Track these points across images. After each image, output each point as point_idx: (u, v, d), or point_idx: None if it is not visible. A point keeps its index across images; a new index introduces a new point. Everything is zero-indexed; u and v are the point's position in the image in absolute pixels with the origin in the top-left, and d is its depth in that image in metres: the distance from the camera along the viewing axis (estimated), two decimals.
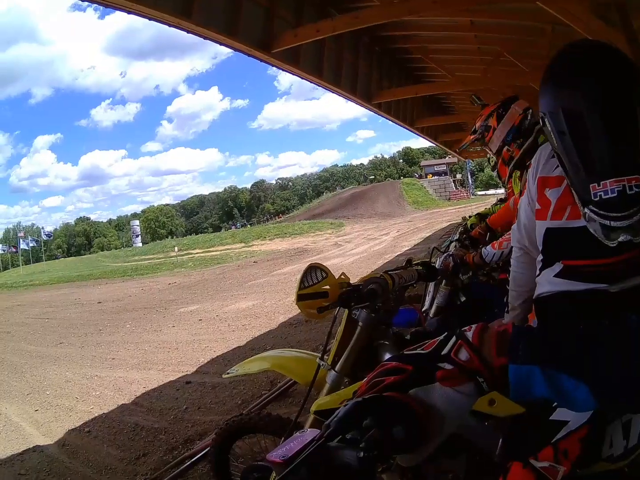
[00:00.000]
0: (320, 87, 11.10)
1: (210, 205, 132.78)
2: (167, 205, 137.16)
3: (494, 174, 4.44)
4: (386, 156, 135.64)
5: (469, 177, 76.12)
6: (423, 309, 3.70)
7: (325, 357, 2.58)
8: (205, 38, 7.70)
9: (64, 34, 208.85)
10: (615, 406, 1.18)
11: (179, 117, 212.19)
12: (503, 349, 1.13)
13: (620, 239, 1.44)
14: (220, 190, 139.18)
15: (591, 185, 1.45)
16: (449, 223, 31.87)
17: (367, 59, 11.75)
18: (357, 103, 12.67)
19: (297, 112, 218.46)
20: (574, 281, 1.80)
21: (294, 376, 2.97)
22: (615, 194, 1.40)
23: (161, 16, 6.82)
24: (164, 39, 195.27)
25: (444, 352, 1.16)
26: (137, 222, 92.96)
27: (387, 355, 2.32)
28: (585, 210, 1.53)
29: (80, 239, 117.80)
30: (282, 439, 2.73)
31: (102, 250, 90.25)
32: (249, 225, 78.69)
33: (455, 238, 5.39)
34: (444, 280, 3.62)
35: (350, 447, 0.99)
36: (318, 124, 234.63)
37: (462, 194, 66.98)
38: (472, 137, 4.28)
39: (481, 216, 5.70)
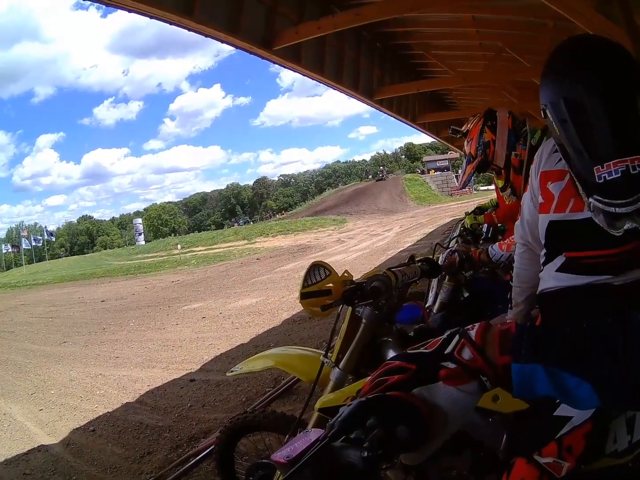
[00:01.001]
0: (322, 84, 11.11)
1: (212, 202, 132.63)
2: (170, 203, 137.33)
3: (507, 193, 4.32)
4: (388, 152, 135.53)
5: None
6: (426, 305, 3.68)
7: (329, 354, 2.59)
8: (206, 36, 7.69)
9: (66, 33, 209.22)
10: (617, 404, 1.18)
11: (182, 114, 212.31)
12: (506, 347, 1.12)
13: (626, 226, 1.45)
14: (223, 187, 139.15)
15: (595, 167, 1.46)
16: (451, 218, 31.83)
17: (368, 56, 11.72)
18: (359, 99, 12.66)
19: (299, 108, 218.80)
20: (577, 274, 1.82)
21: (298, 373, 2.97)
22: (619, 175, 1.42)
23: (162, 14, 6.82)
24: (166, 37, 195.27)
25: (447, 351, 1.16)
26: (139, 220, 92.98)
27: (391, 352, 2.33)
28: (590, 200, 1.53)
29: (83, 238, 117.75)
30: (287, 436, 2.75)
31: (105, 249, 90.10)
32: (251, 222, 78.54)
33: (455, 235, 5.41)
34: (447, 277, 3.61)
35: (354, 447, 0.99)
36: (320, 121, 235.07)
37: (464, 189, 66.87)
38: (473, 164, 4.19)
39: (481, 210, 5.69)
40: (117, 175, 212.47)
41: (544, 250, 1.97)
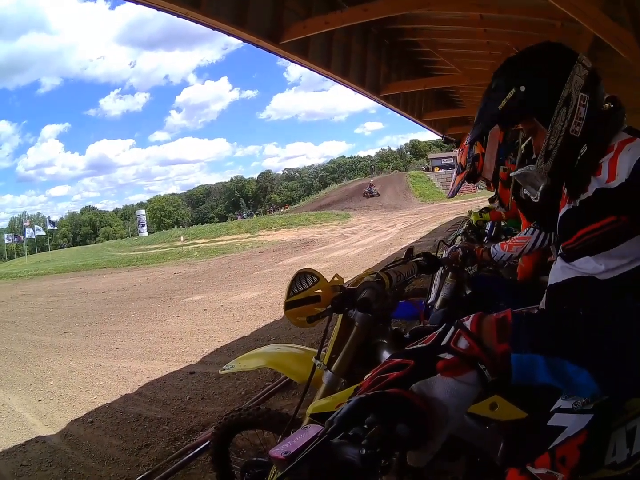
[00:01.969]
0: (329, 79, 11.12)
1: (216, 195, 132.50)
2: (174, 194, 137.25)
3: (495, 205, 4.35)
4: (393, 148, 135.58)
5: None
6: (428, 301, 3.68)
7: (322, 356, 2.54)
8: (213, 29, 7.71)
9: (74, 24, 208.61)
10: (615, 392, 1.15)
11: (188, 106, 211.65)
12: (504, 335, 1.11)
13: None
14: (227, 180, 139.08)
15: None
16: (455, 216, 31.82)
17: (375, 52, 11.72)
18: (365, 95, 12.69)
19: (305, 103, 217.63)
20: (571, 264, 1.85)
21: (290, 374, 2.96)
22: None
23: (170, 6, 6.83)
24: (174, 30, 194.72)
25: (444, 342, 1.14)
26: (143, 211, 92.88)
27: (386, 354, 2.29)
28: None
29: (85, 228, 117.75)
30: (281, 436, 2.77)
31: (107, 240, 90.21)
32: (255, 216, 78.35)
33: (460, 232, 5.42)
34: (449, 273, 3.60)
35: (352, 445, 0.98)
36: (326, 116, 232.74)
37: (468, 188, 66.69)
38: (461, 175, 4.20)
39: (487, 210, 5.71)
40: (121, 166, 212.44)
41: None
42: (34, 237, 67.15)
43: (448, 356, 1.10)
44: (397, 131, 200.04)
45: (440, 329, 1.19)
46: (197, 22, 7.46)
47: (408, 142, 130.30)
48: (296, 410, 2.35)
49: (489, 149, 3.86)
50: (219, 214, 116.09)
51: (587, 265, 1.79)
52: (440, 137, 22.37)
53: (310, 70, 10.32)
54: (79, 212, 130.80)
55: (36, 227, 68.98)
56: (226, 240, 44.43)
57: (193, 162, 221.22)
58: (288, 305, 2.43)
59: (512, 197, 4.01)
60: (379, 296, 2.28)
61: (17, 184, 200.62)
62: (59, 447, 5.95)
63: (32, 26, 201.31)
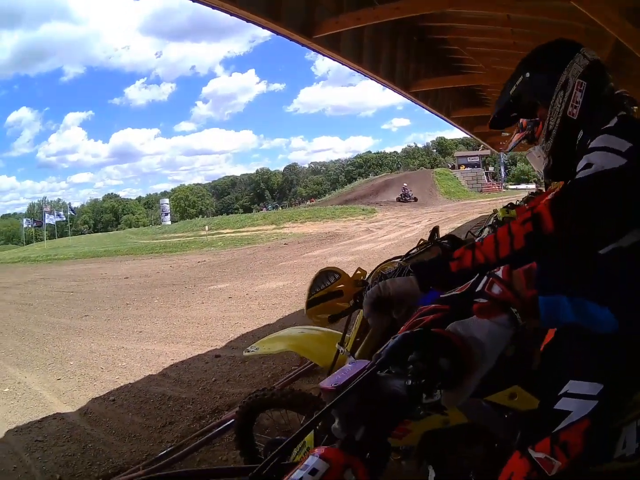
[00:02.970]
0: (358, 74, 11.28)
1: (241, 186, 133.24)
2: (198, 184, 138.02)
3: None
4: (420, 145, 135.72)
5: (502, 170, 76.03)
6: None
7: (347, 339, 2.63)
8: (248, 21, 7.80)
9: (98, 13, 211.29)
10: (634, 326, 1.26)
11: (215, 98, 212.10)
12: (531, 282, 1.25)
13: None
14: (253, 172, 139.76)
15: None
16: (480, 215, 31.69)
17: (405, 48, 11.85)
18: (394, 90, 12.86)
19: (333, 97, 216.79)
20: None
21: (314, 358, 3.16)
22: None
23: None
24: (200, 21, 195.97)
25: (478, 289, 1.28)
26: (166, 200, 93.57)
27: None
28: None
29: (107, 216, 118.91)
30: (304, 417, 2.87)
31: (130, 227, 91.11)
32: (280, 208, 78.84)
33: (489, 224, 5.49)
34: None
35: (398, 377, 1.10)
36: (354, 111, 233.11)
37: (494, 187, 66.80)
38: (521, 134, 4.25)
39: (513, 206, 5.76)
40: (146, 155, 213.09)
41: None
42: (53, 222, 67.78)
43: (482, 301, 1.24)
44: (424, 128, 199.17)
45: (474, 279, 1.35)
46: (231, 14, 7.53)
47: (434, 139, 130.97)
48: (320, 394, 2.32)
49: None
50: (243, 205, 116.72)
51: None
52: (468, 135, 22.73)
53: (342, 64, 10.52)
54: (100, 199, 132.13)
55: (56, 212, 69.62)
56: (251, 231, 44.70)
57: (219, 153, 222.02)
58: (310, 304, 2.50)
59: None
60: None
61: (38, 169, 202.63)
62: (78, 423, 5.97)
63: (54, 15, 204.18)
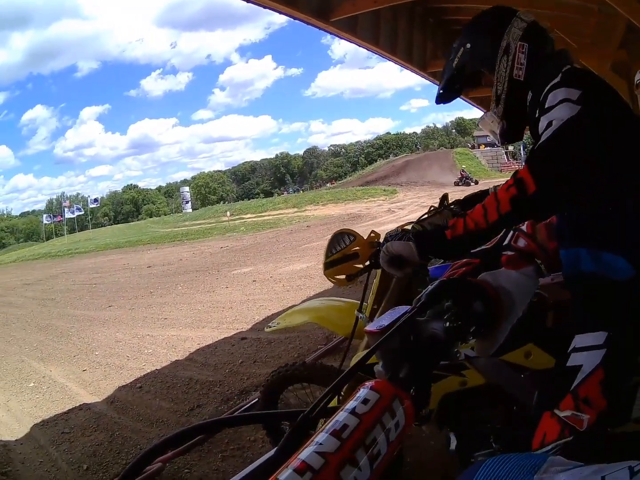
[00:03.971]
0: (376, 55, 11.29)
1: (261, 171, 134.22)
2: (218, 171, 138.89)
3: None
4: (439, 125, 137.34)
5: (522, 149, 76.19)
6: None
7: (364, 306, 2.68)
8: (265, 7, 7.79)
9: (109, 9, 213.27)
10: None
11: (232, 85, 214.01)
12: (552, 234, 1.41)
13: None
14: (272, 156, 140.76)
15: None
16: None
17: (421, 29, 11.94)
18: (412, 71, 12.90)
19: (351, 80, 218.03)
20: None
21: (334, 328, 3.23)
22: None
23: None
24: (214, 10, 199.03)
25: (505, 242, 1.46)
26: (186, 188, 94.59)
27: None
28: None
29: (127, 207, 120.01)
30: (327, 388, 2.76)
31: (150, 217, 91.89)
32: (301, 191, 79.26)
33: None
34: None
35: (436, 320, 1.14)
36: (372, 93, 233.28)
37: (513, 166, 67.15)
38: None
39: None
40: (164, 144, 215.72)
41: None
42: (73, 216, 68.42)
43: (509, 253, 1.42)
44: (443, 108, 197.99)
45: (501, 234, 1.50)
46: (248, 1, 7.49)
47: (453, 119, 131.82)
48: (341, 363, 2.59)
49: None
50: (264, 190, 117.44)
51: None
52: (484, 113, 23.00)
53: (360, 46, 10.55)
54: (120, 190, 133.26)
55: (76, 206, 70.34)
56: (273, 215, 44.99)
57: (238, 139, 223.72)
58: (327, 266, 2.56)
59: None
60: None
61: (55, 166, 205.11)
62: (105, 413, 6.01)
63: (64, 13, 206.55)
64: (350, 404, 0.87)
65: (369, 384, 0.93)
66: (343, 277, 2.50)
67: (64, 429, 5.69)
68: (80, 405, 6.39)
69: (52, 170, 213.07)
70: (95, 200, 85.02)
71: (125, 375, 7.22)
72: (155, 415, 5.58)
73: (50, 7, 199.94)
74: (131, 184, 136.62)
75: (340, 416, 0.83)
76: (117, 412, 5.93)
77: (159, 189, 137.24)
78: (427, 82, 13.97)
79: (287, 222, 37.00)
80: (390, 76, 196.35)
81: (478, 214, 1.71)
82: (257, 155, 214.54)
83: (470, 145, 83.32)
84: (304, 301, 8.11)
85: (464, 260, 1.45)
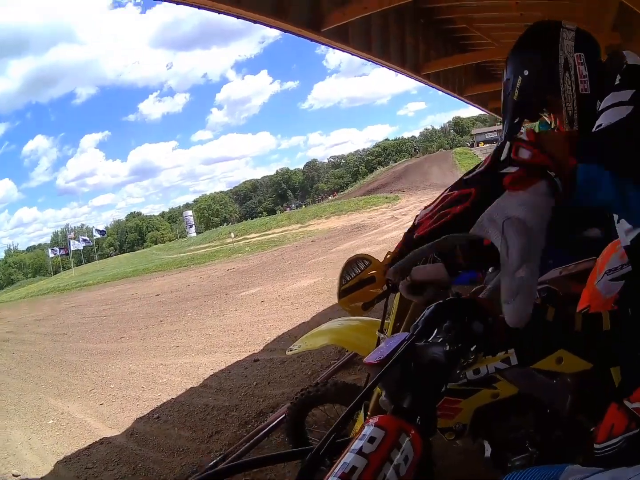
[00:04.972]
0: (370, 62, 11.29)
1: (263, 189, 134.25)
2: (220, 192, 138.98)
3: None
4: (437, 127, 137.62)
5: None
6: None
7: (386, 325, 2.67)
8: (255, 22, 7.84)
9: (104, 33, 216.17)
10: None
11: (229, 103, 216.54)
12: (574, 149, 1.04)
13: None
14: (273, 173, 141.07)
15: None
16: None
17: (412, 32, 11.85)
18: (406, 75, 12.81)
19: (347, 89, 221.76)
20: None
21: (355, 349, 3.22)
22: None
23: (211, 4, 6.95)
24: (208, 27, 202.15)
25: (503, 157, 1.05)
26: (190, 212, 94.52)
27: None
28: None
29: (132, 235, 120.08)
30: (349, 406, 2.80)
31: (155, 244, 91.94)
32: (304, 206, 79.18)
33: None
34: None
35: (436, 344, 1.13)
36: (368, 100, 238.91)
37: None
38: None
39: None
40: (165, 169, 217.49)
41: None
42: (80, 247, 68.43)
43: (512, 169, 1.02)
44: (440, 109, 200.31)
45: (495, 148, 1.11)
46: (238, 17, 7.57)
47: (451, 120, 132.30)
48: (366, 382, 2.54)
49: None
50: (267, 208, 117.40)
51: None
52: (483, 111, 22.56)
53: (352, 55, 10.47)
54: (124, 219, 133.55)
55: (82, 237, 70.35)
56: (277, 232, 45.00)
57: (238, 158, 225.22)
58: (342, 294, 2.42)
59: None
60: None
61: (58, 197, 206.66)
62: (126, 445, 6.04)
63: (60, 38, 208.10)
64: (357, 444, 0.87)
65: (372, 420, 0.94)
66: (359, 304, 2.36)
67: (87, 464, 5.73)
68: (100, 439, 6.42)
69: (55, 202, 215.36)
70: (102, 232, 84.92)
71: (142, 407, 7.26)
72: (175, 444, 5.62)
73: (47, 32, 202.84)
74: (134, 212, 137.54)
75: (348, 457, 0.83)
76: (138, 444, 5.97)
77: (163, 214, 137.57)
78: (423, 84, 14.06)
79: (291, 238, 37.00)
80: (385, 82, 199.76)
81: None
82: (258, 173, 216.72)
83: (469, 144, 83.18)
84: (315, 321, 8.20)
85: (456, 193, 1.12)
